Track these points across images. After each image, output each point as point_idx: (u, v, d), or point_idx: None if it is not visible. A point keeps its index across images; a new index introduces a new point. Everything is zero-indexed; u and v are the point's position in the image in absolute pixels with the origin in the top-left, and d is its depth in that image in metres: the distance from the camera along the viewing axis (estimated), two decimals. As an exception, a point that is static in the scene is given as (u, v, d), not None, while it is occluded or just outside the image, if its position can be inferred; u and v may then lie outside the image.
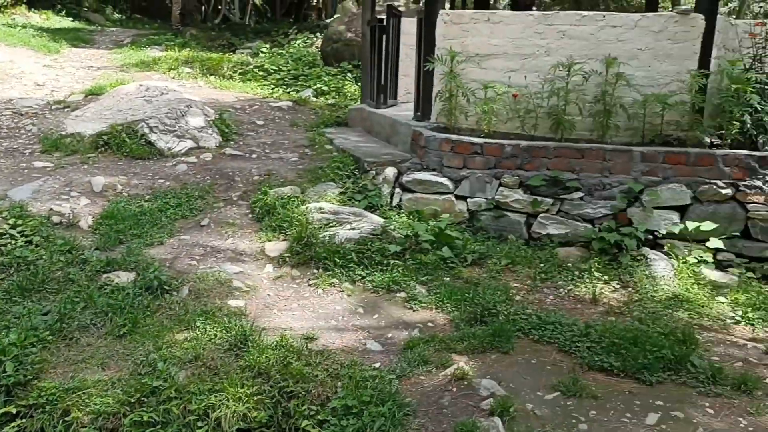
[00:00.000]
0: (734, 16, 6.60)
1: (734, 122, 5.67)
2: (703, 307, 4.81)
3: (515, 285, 5.07)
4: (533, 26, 6.21)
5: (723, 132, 5.79)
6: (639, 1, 13.77)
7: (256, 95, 10.28)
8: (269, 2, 21.78)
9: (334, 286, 4.91)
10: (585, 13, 6.20)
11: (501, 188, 5.94)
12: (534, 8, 16.92)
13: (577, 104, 6.00)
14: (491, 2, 16.15)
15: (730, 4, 5.78)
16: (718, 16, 6.12)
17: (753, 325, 4.61)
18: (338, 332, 4.34)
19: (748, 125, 5.66)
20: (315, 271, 5.07)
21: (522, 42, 6.25)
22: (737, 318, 4.68)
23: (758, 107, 5.62)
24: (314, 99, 10.43)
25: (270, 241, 5.43)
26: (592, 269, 5.22)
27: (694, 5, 6.20)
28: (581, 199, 5.79)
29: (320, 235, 5.31)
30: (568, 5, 16.92)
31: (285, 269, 5.11)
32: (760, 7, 5.87)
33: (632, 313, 4.64)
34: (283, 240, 5.42)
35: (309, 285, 4.93)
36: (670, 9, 5.81)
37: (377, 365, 3.94)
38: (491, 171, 5.97)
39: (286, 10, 21.61)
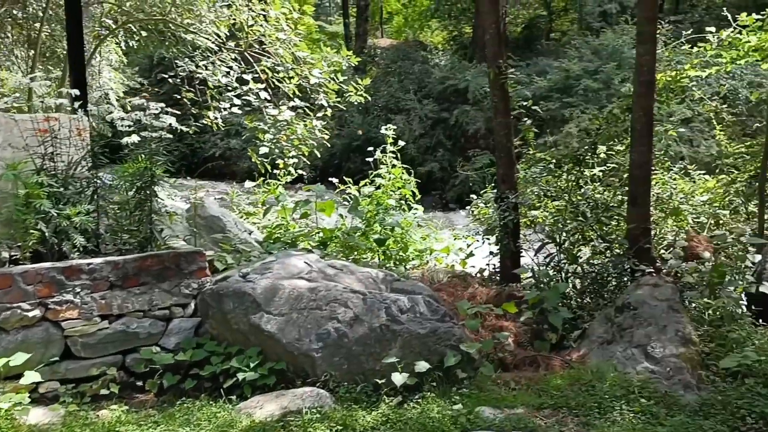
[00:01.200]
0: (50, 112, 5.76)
1: (31, 232, 4.94)
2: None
3: None
4: None
5: (22, 245, 5.01)
6: None
7: None
8: None
9: None
10: None
11: None
12: None
13: None
14: None
15: (6, 99, 5.13)
16: (-2, 111, 5.35)
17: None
18: None
19: (47, 234, 5.01)
20: None
21: None
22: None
23: (55, 213, 5.04)
24: None
25: None
26: None
27: None
28: None
29: None
30: None
31: None
32: (41, 102, 5.39)
33: None
34: None
35: None
36: None
37: None
38: None
39: None
